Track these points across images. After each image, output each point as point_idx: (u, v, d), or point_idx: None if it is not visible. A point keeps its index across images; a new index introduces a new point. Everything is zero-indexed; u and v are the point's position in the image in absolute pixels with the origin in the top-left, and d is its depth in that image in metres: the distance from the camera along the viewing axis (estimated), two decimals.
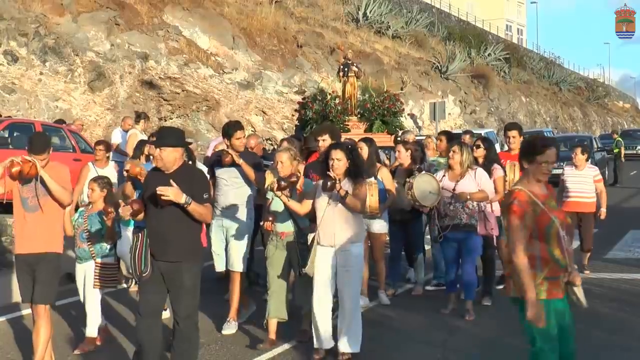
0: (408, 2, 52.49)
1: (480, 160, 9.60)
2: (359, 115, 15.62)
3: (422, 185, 8.84)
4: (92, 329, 7.96)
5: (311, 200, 7.31)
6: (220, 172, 8.58)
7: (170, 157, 6.27)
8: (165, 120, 23.43)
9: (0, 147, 14.20)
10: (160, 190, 5.99)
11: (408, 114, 32.98)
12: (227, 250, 8.57)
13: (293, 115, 17.01)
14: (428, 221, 10.20)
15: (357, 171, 7.23)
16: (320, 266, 7.17)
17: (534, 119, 51.74)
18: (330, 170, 7.11)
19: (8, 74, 19.73)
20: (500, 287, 9.78)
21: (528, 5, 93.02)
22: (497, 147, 16.54)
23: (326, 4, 41.53)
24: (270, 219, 7.64)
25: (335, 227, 7.09)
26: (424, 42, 46.52)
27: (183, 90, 24.37)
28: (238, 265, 8.52)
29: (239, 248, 8.52)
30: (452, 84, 41.92)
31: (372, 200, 8.73)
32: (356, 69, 15.73)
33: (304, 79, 29.42)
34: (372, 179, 8.94)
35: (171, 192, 5.99)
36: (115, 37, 23.38)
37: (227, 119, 25.15)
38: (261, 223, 7.84)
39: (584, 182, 11.18)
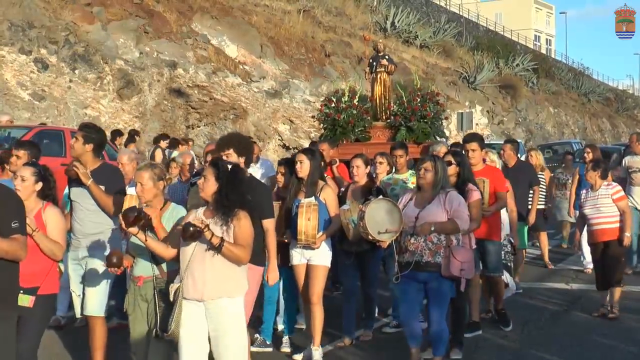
0: (436, 12, 52.49)
1: (453, 180, 7.46)
2: (387, 120, 13.03)
3: (378, 213, 6.66)
4: None
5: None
6: (72, 193, 6.74)
7: None
8: (193, 129, 23.57)
9: None
10: None
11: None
12: (84, 291, 6.71)
13: (320, 124, 15.75)
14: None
15: (231, 201, 5.38)
16: (187, 328, 5.38)
17: (562, 130, 51.40)
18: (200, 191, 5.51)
19: (38, 81, 19.93)
20: (470, 335, 8.11)
21: (557, 15, 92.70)
22: (522, 158, 13.93)
23: (354, 13, 41.57)
24: (115, 260, 5.54)
25: (204, 275, 5.33)
26: (451, 52, 46.45)
27: (211, 99, 24.48)
28: (95, 308, 6.63)
29: (98, 288, 6.63)
30: (480, 94, 41.76)
31: (309, 226, 7.09)
32: (386, 62, 12.67)
33: (332, 88, 29.38)
34: (312, 199, 7.27)
35: None
36: (144, 45, 23.56)
37: (255, 127, 25.27)
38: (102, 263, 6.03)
39: (602, 205, 9.36)
